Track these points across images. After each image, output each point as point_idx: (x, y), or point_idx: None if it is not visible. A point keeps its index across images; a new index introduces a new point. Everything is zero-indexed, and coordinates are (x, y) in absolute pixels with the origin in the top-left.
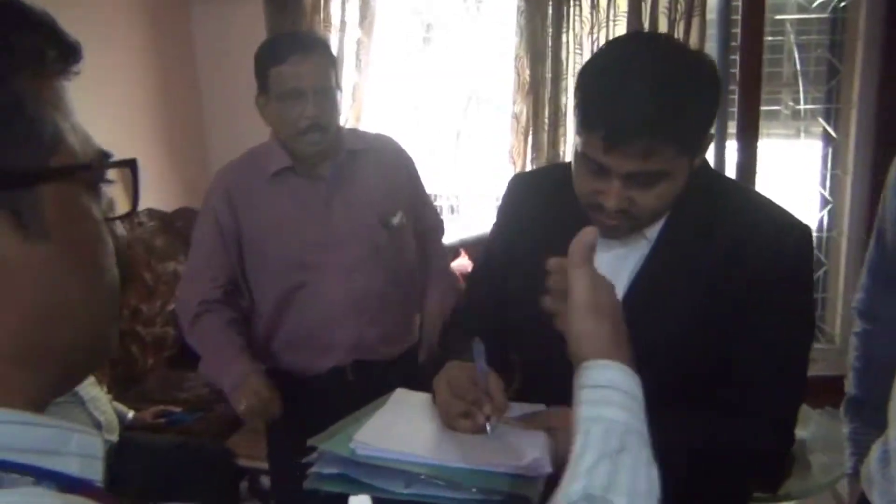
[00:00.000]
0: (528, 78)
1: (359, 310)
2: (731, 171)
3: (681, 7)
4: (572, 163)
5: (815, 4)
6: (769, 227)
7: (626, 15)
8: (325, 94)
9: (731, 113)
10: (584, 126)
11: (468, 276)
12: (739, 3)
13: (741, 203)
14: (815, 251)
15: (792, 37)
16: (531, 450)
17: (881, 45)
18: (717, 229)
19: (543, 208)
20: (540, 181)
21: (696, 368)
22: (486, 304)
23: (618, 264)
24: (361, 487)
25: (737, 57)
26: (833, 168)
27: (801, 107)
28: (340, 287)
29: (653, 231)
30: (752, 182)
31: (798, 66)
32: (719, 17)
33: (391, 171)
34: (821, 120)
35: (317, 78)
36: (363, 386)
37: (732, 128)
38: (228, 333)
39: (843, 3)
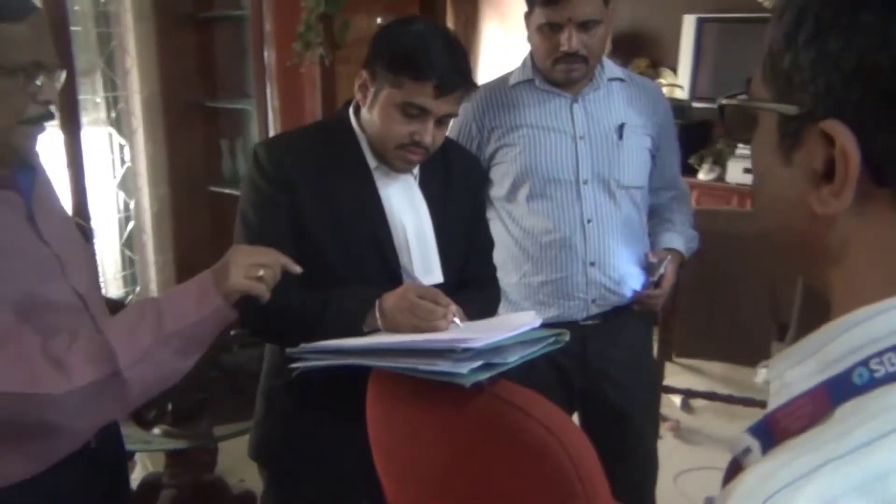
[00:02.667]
0: None
1: None
2: (59, 160)
3: None
4: (380, 115)
5: None
6: (467, 153)
7: None
8: (61, 74)
9: None
10: (414, 78)
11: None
12: None
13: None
14: None
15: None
16: (507, 318)
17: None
18: (439, 160)
19: (322, 161)
20: (295, 143)
21: (467, 255)
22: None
23: (409, 194)
24: (501, 366)
25: None
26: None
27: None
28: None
29: (415, 170)
30: (82, 170)
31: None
32: None
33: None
34: (103, 112)
35: (54, 52)
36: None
37: None
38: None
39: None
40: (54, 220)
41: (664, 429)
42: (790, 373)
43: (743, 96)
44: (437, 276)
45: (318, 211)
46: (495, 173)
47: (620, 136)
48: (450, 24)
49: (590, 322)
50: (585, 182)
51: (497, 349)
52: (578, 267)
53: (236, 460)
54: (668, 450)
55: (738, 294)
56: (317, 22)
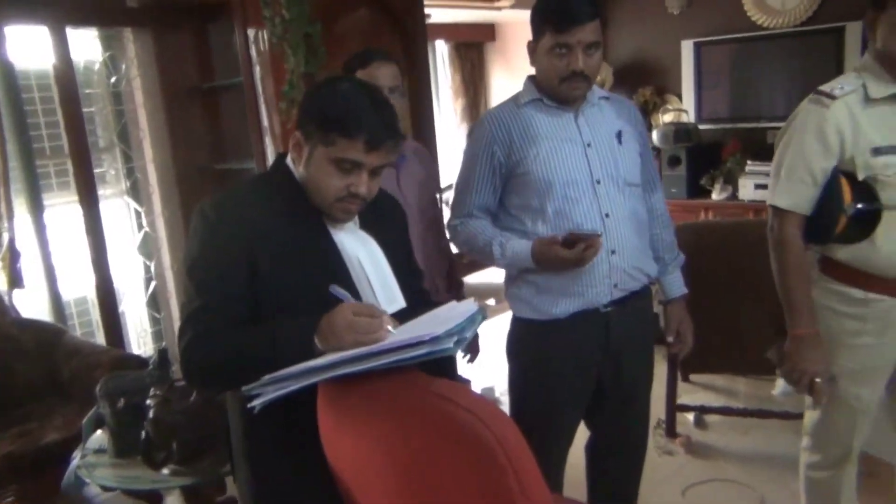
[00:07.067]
0: None
1: None
2: (79, 233)
3: None
4: (316, 171)
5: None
6: (388, 195)
7: None
8: None
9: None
10: (345, 135)
11: (199, 308)
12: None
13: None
14: None
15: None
16: (447, 312)
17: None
18: (371, 210)
19: (272, 211)
20: (242, 197)
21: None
22: (240, 308)
23: (356, 234)
24: (466, 341)
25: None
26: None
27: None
28: None
29: (356, 216)
30: (102, 240)
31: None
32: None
33: None
34: (124, 182)
35: None
36: None
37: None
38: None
39: (114, 79)
40: None
41: (675, 444)
42: None
43: None
44: (400, 302)
45: (275, 259)
46: (518, 185)
47: (620, 142)
48: (453, 73)
49: (610, 308)
50: (598, 182)
51: (461, 328)
52: (602, 255)
53: None
54: (679, 465)
55: (736, 305)
56: (299, 81)
